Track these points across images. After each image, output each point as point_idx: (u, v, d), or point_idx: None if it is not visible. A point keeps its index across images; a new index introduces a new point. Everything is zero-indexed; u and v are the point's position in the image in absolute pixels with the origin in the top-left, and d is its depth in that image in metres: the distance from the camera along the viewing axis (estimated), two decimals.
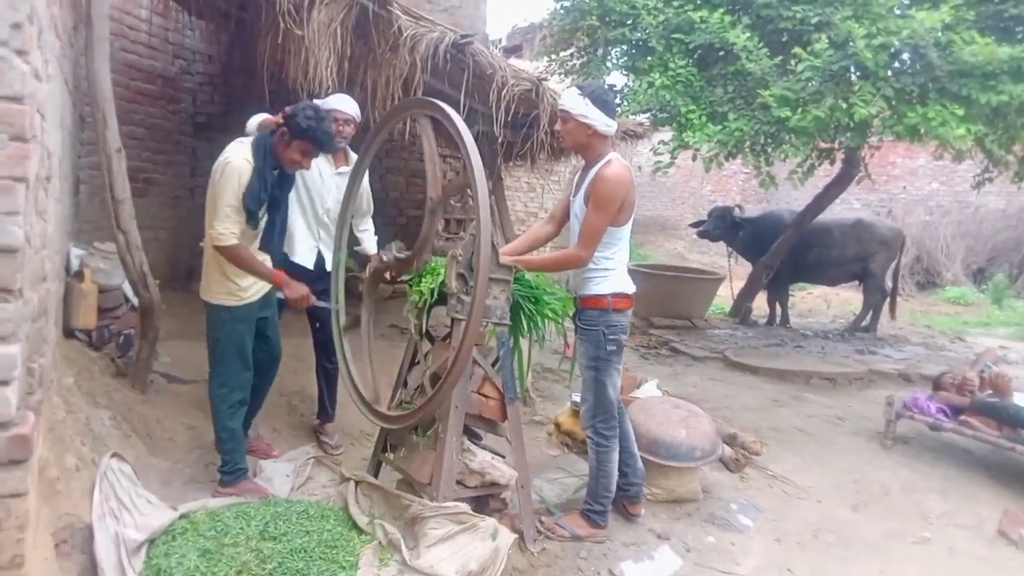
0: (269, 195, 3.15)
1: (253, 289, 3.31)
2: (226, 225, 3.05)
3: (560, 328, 3.36)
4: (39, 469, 2.15)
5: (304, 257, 3.91)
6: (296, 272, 3.62)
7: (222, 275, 3.23)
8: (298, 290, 3.22)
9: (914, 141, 6.18)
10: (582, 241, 3.13)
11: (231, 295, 3.25)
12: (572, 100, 3.10)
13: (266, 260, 3.34)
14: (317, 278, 3.79)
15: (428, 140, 3.00)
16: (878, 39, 5.57)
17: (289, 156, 3.14)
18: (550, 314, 3.22)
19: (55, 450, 2.47)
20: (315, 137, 3.09)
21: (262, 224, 3.22)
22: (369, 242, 4.11)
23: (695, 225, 9.95)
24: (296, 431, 4.18)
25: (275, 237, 3.33)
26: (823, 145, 7.40)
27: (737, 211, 9.42)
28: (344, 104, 3.87)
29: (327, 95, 3.92)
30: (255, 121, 3.53)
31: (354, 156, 4.03)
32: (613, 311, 3.21)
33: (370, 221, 4.19)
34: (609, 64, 7.60)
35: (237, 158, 3.07)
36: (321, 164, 3.89)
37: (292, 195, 3.79)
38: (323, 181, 3.93)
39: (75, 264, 3.76)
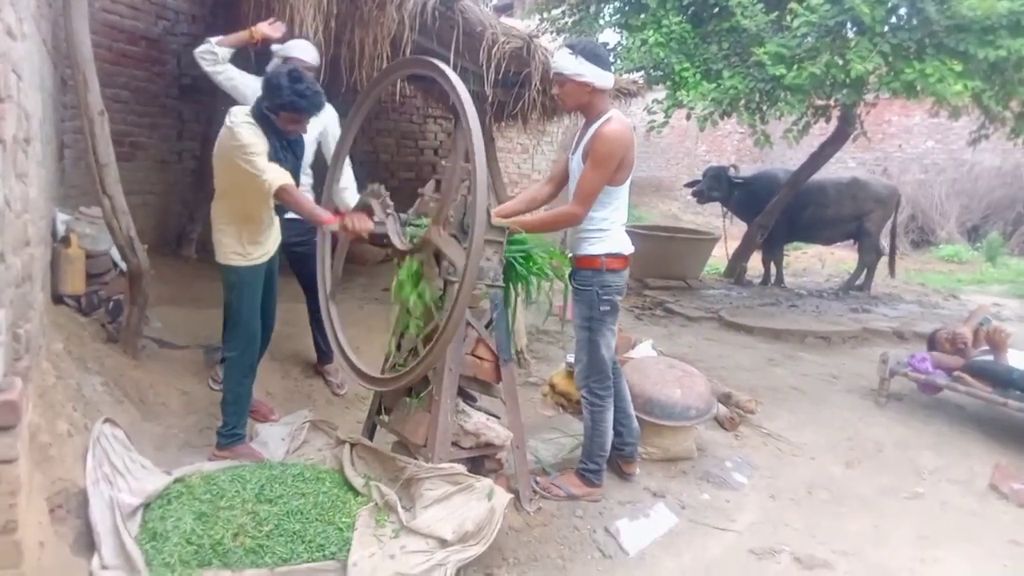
0: (289, 162, 3.13)
1: (260, 251, 3.32)
2: (271, 174, 2.94)
3: (550, 289, 3.34)
4: (30, 435, 2.14)
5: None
6: (288, 224, 3.63)
7: (230, 237, 3.24)
8: (361, 221, 2.94)
9: (911, 98, 6.10)
10: (577, 199, 3.09)
11: (239, 255, 3.26)
12: (565, 60, 3.03)
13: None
14: (308, 230, 3.78)
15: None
16: None
17: (282, 127, 3.08)
18: (539, 272, 3.20)
19: (46, 416, 2.45)
20: (295, 107, 3.00)
21: None
22: (350, 198, 3.85)
23: (690, 185, 9.88)
24: (290, 395, 4.17)
25: None
26: (819, 103, 7.31)
27: (732, 171, 9.35)
28: (303, 52, 3.80)
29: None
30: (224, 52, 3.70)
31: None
32: (607, 271, 3.18)
33: (347, 177, 4.05)
34: (601, 21, 7.46)
35: (243, 128, 2.97)
36: None
37: None
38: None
39: (61, 229, 3.70)
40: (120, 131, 5.11)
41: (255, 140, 2.96)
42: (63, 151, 4.57)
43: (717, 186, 9.22)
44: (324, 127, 4.01)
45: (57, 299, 3.62)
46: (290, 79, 2.97)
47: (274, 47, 3.87)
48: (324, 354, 4.23)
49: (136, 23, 5.71)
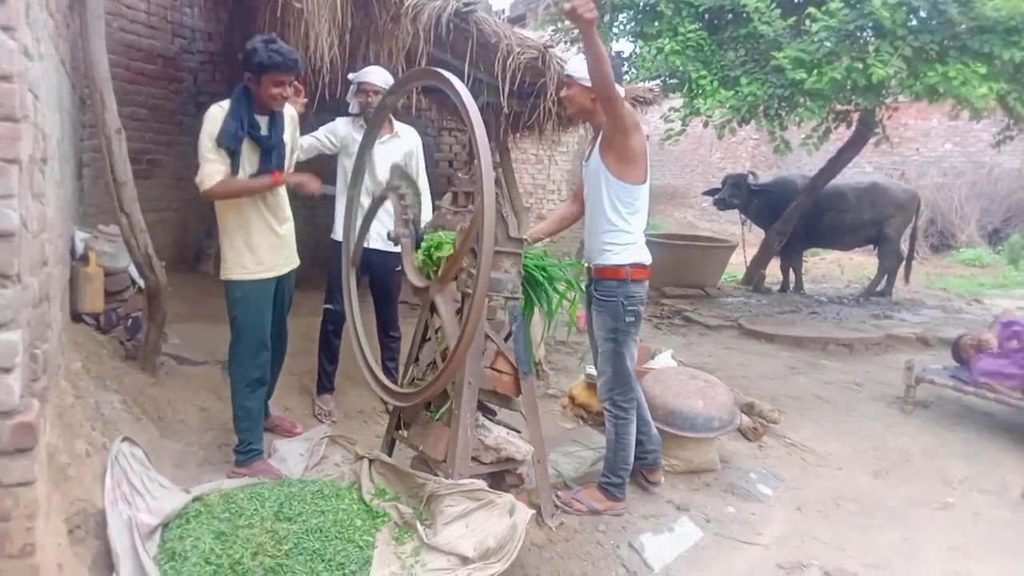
0: (256, 140, 3.10)
1: (266, 265, 3.27)
2: (205, 169, 3.04)
3: (559, 305, 3.29)
4: (48, 455, 2.12)
5: (374, 240, 3.75)
6: (368, 255, 3.73)
7: (234, 251, 3.21)
8: (300, 176, 3.29)
9: (933, 101, 6.02)
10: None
11: (243, 269, 3.21)
12: (577, 64, 3.09)
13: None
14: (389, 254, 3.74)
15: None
16: None
17: (267, 95, 3.07)
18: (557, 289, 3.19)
19: (64, 436, 2.44)
20: (273, 64, 3.00)
21: (247, 171, 3.15)
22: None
23: (709, 193, 9.81)
24: (308, 411, 4.15)
25: None
26: (839, 107, 7.23)
27: (751, 178, 9.29)
28: (372, 75, 3.92)
29: (359, 69, 4.06)
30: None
31: (399, 125, 4.10)
32: (631, 281, 3.15)
33: (424, 200, 4.06)
34: (616, 30, 7.43)
35: (211, 108, 3.10)
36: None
37: (341, 176, 3.98)
38: (371, 155, 3.85)
39: (80, 248, 3.72)
40: (138, 149, 5.15)
41: (210, 126, 3.04)
42: (82, 170, 4.59)
43: (737, 193, 9.17)
44: (410, 148, 4.12)
45: (76, 317, 3.63)
46: (264, 42, 3.02)
47: (350, 75, 4.03)
48: (389, 373, 4.18)
49: (153, 42, 5.77)
